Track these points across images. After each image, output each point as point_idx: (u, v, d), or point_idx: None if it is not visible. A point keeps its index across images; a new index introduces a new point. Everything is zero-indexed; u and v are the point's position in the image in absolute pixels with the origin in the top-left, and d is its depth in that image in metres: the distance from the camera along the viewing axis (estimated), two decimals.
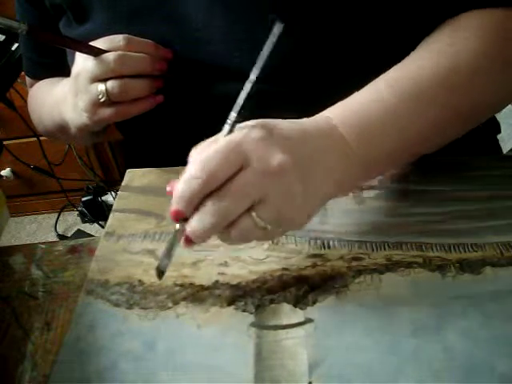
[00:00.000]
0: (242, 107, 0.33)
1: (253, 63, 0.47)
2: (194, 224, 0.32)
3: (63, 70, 0.55)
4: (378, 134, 0.37)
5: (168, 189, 0.33)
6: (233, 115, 0.33)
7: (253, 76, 0.33)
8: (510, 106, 0.50)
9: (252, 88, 0.33)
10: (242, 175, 0.31)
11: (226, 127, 0.33)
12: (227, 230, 0.32)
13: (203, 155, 0.31)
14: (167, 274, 0.39)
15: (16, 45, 0.82)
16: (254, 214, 0.32)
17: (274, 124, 0.34)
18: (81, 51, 0.46)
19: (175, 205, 0.32)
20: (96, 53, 0.45)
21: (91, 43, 0.46)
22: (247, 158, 0.31)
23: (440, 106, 0.39)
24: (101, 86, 0.46)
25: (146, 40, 0.48)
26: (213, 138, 0.34)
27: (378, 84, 0.40)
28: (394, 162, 0.41)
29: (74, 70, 0.48)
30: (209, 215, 0.31)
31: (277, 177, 0.31)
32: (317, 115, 0.38)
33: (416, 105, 0.38)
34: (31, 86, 0.66)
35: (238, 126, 0.34)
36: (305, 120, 0.36)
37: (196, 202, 0.31)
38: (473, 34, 0.41)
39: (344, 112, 0.38)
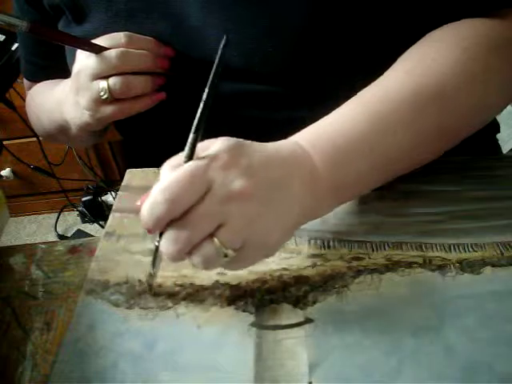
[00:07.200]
0: (199, 127, 0.33)
1: (250, 63, 0.47)
2: (161, 248, 0.33)
3: (63, 73, 0.55)
4: (349, 157, 0.37)
5: (138, 203, 0.33)
6: (191, 136, 0.33)
7: (205, 96, 0.33)
8: (510, 106, 0.50)
9: (205, 108, 0.33)
10: (202, 203, 0.31)
11: (187, 149, 0.33)
12: (190, 254, 0.32)
13: (167, 181, 0.31)
14: (168, 274, 0.39)
15: (16, 45, 0.81)
16: (215, 239, 0.31)
17: (242, 149, 0.33)
18: (82, 48, 0.46)
19: (145, 225, 0.32)
20: (98, 50, 0.45)
21: (93, 41, 0.46)
22: (210, 185, 0.31)
23: (406, 128, 0.38)
24: (103, 83, 0.46)
25: (148, 37, 0.48)
26: (180, 155, 0.33)
27: (351, 105, 0.39)
28: (365, 185, 0.40)
29: (76, 67, 0.48)
30: (171, 242, 0.32)
31: (237, 202, 0.31)
32: (286, 140, 0.37)
33: (385, 127, 0.38)
34: (29, 88, 0.65)
35: (207, 150, 0.33)
36: (272, 145, 0.36)
37: (162, 226, 0.32)
38: (444, 50, 0.40)
39: (315, 136, 0.37)
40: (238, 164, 0.32)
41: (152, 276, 0.37)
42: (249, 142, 0.35)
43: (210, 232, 0.32)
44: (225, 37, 0.33)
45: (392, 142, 0.38)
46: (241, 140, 0.34)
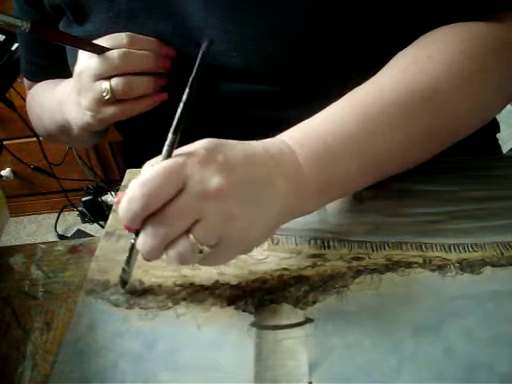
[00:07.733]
0: (178, 128, 0.33)
1: (250, 63, 0.47)
2: (138, 244, 0.33)
3: (63, 73, 0.55)
4: (338, 157, 0.37)
5: (116, 200, 0.33)
6: (170, 137, 0.33)
7: (185, 96, 0.33)
8: (509, 106, 0.50)
9: (185, 108, 0.33)
10: (179, 199, 0.31)
11: (165, 148, 0.33)
12: (166, 250, 0.33)
13: (144, 177, 0.31)
14: (168, 274, 0.39)
15: (16, 45, 0.82)
16: (191, 235, 0.32)
17: (220, 147, 0.34)
18: (84, 49, 0.46)
19: (122, 221, 0.32)
20: (99, 51, 0.45)
21: (94, 41, 0.46)
22: (187, 181, 0.31)
23: (395, 129, 0.38)
24: (105, 84, 0.46)
25: (149, 38, 0.48)
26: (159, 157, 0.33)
27: (342, 103, 0.39)
28: (354, 185, 0.40)
29: (77, 67, 0.48)
30: (149, 237, 0.32)
31: (213, 200, 0.31)
32: (273, 138, 0.37)
33: (374, 128, 0.38)
34: (30, 87, 0.65)
35: (183, 147, 0.33)
36: (257, 143, 0.36)
37: (139, 221, 0.32)
38: (440, 52, 0.40)
39: (305, 134, 0.37)
40: (215, 160, 0.32)
41: (126, 272, 0.37)
42: (230, 140, 0.35)
43: (186, 228, 0.32)
44: (206, 42, 0.33)
45: (381, 144, 0.38)
46: (221, 139, 0.34)
